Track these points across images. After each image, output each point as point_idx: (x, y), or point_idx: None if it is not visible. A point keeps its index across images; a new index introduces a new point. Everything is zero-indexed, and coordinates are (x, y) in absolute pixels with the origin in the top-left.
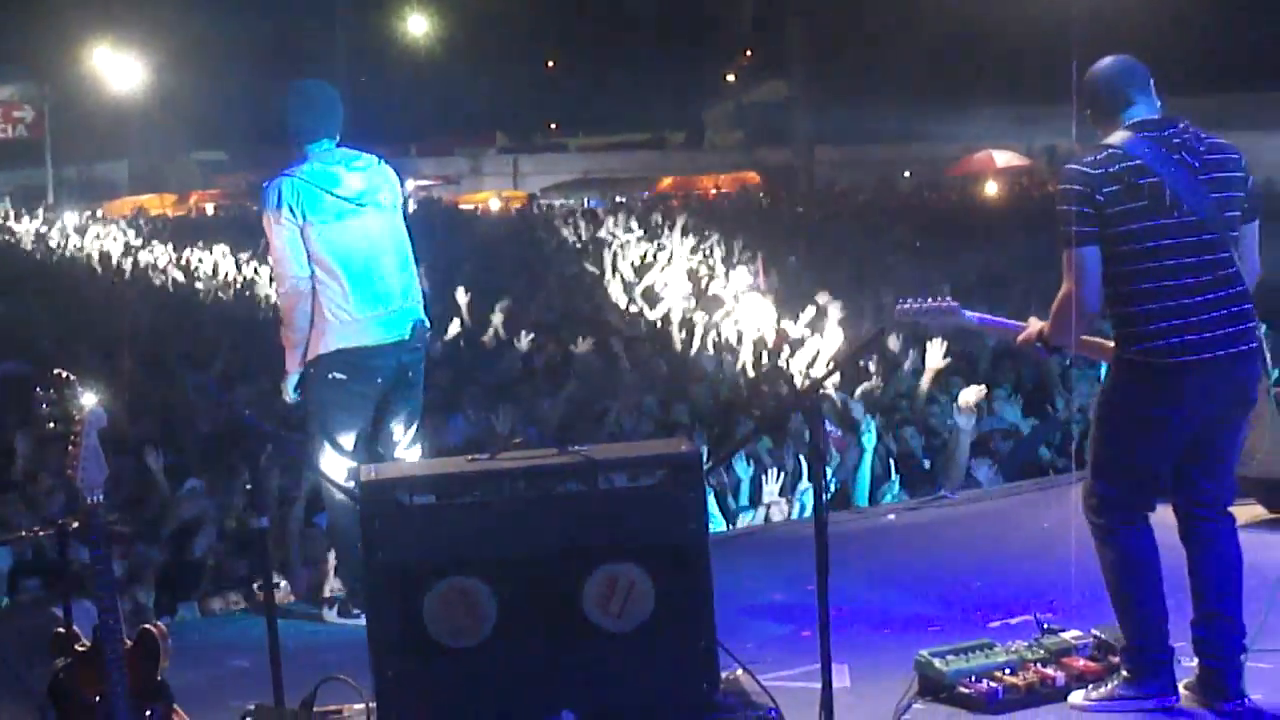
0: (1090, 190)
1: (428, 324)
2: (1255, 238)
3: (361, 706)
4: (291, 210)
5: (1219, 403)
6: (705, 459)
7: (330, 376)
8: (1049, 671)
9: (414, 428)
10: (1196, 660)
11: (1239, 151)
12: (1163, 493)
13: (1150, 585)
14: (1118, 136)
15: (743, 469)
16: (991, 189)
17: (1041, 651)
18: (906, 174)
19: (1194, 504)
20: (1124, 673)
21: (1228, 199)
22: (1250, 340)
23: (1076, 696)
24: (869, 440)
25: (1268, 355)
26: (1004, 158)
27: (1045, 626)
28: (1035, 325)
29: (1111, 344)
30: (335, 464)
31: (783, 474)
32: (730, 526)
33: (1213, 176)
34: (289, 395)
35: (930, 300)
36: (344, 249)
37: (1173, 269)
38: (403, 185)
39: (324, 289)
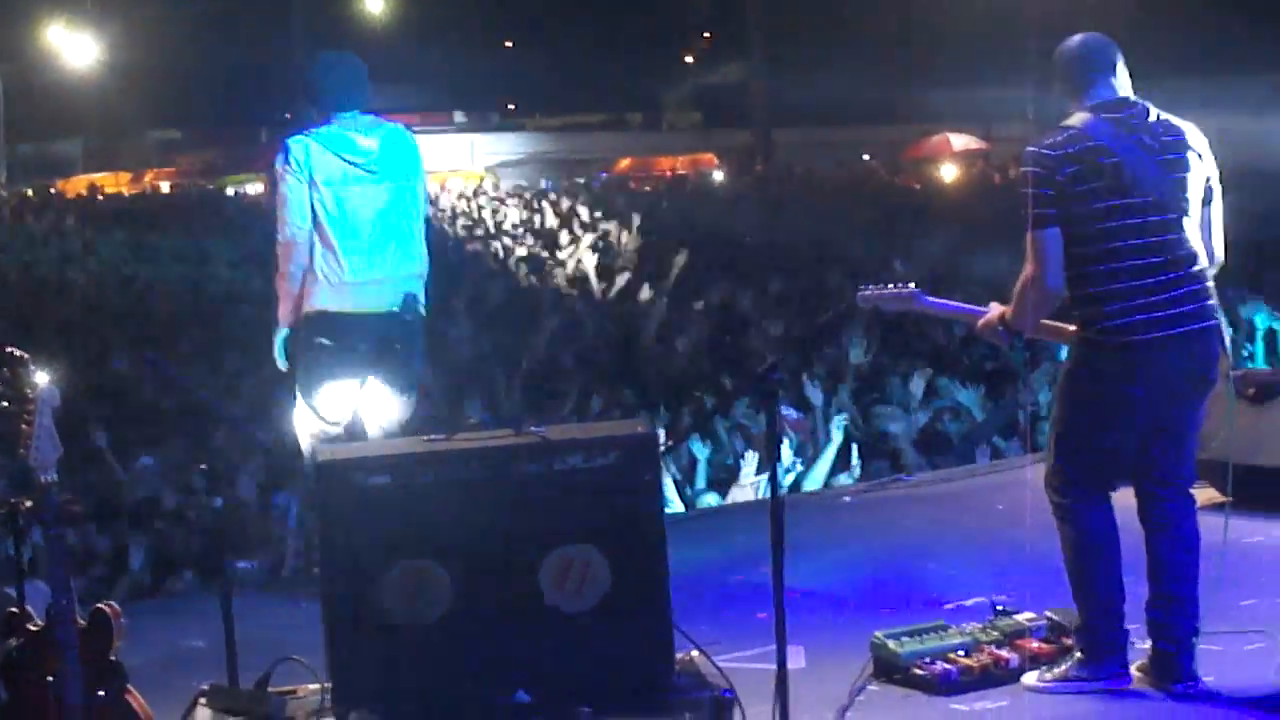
0: (1050, 172)
1: (422, 299)
2: (1217, 223)
3: (316, 687)
4: (299, 165)
5: (1178, 381)
6: (663, 440)
7: (315, 341)
8: (1003, 653)
9: (401, 405)
10: (1150, 642)
11: (1201, 134)
12: (1124, 472)
13: (1109, 566)
14: (1078, 118)
15: (699, 450)
16: (949, 172)
17: (995, 633)
18: (866, 156)
19: (1154, 484)
20: (1078, 654)
21: (1185, 179)
22: (1208, 318)
23: (1030, 677)
24: (838, 428)
25: (1226, 335)
26: (961, 141)
27: (999, 608)
28: (996, 310)
29: (1071, 327)
30: (312, 429)
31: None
32: (687, 508)
33: (1171, 158)
34: (279, 358)
35: (890, 286)
36: (345, 213)
37: (1132, 249)
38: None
39: (319, 248)
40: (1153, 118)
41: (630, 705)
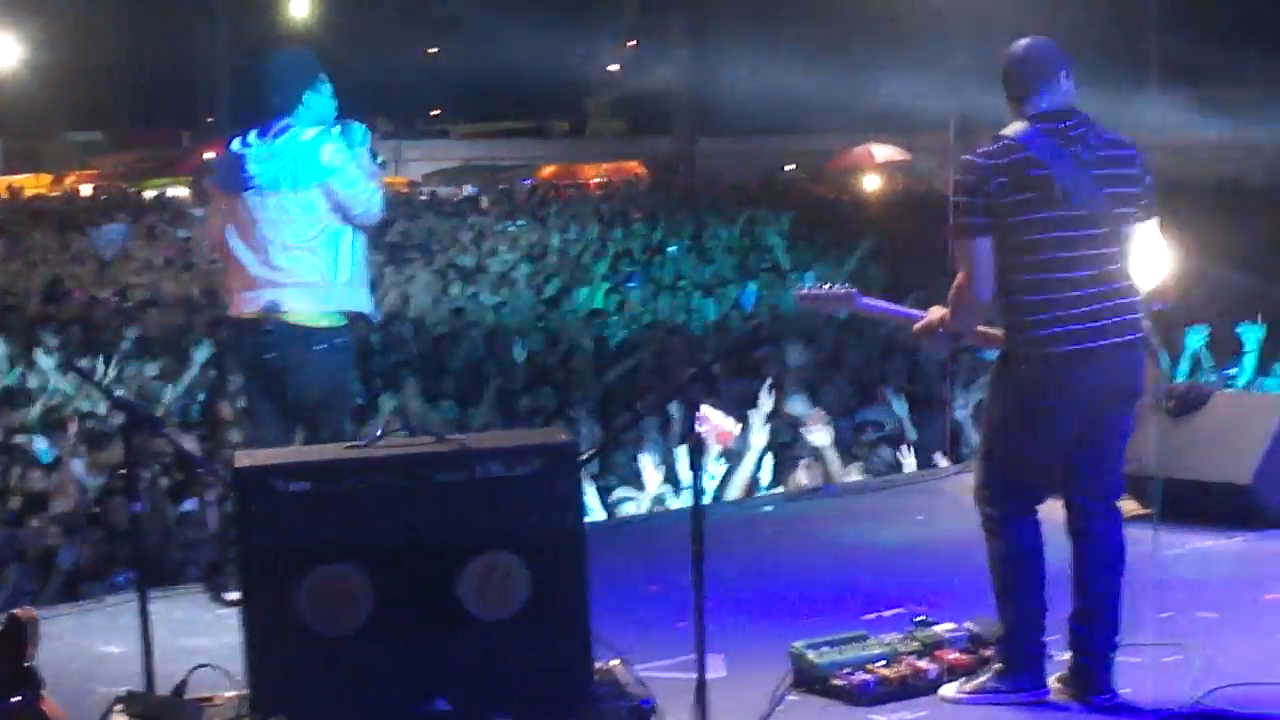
0: (981, 181)
1: (284, 306)
2: (1156, 240)
3: (234, 694)
4: (214, 181)
5: (1104, 394)
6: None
7: (235, 343)
8: (922, 664)
9: (312, 419)
10: (1070, 654)
11: (1137, 149)
12: (1051, 484)
13: (1033, 579)
14: (1015, 127)
15: (622, 459)
16: (871, 182)
17: (915, 644)
18: (790, 166)
19: (1080, 496)
20: (996, 665)
21: (1120, 194)
22: (1134, 331)
23: (949, 689)
24: (755, 436)
25: (1157, 349)
26: (884, 152)
27: (919, 619)
28: (936, 313)
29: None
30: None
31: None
32: (609, 516)
33: (1106, 172)
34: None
35: (829, 286)
36: (240, 225)
37: (1060, 262)
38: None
39: (230, 259)
40: (1094, 131)
41: (549, 714)
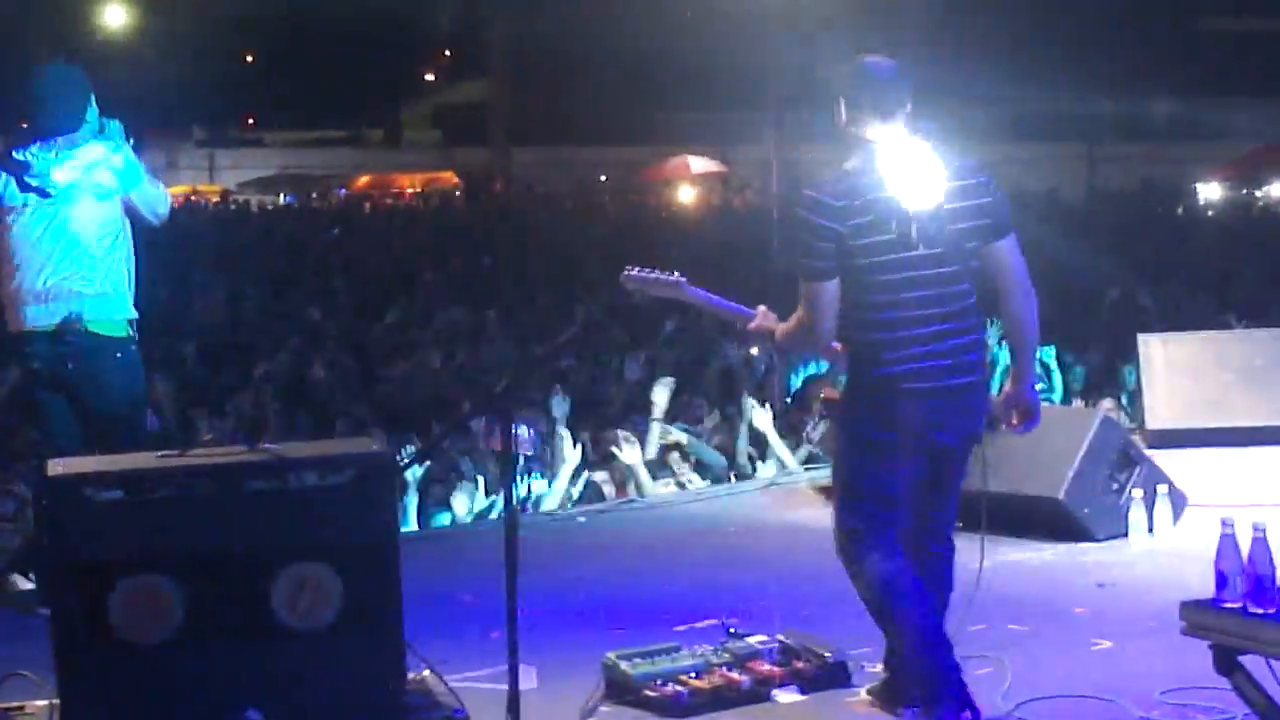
0: (833, 223)
1: (85, 316)
2: (1013, 255)
3: (45, 703)
4: None
5: (947, 431)
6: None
7: (19, 356)
8: (734, 675)
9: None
10: (885, 670)
11: (985, 173)
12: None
13: (914, 601)
14: (861, 161)
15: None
16: (687, 194)
17: (727, 655)
18: (603, 177)
19: (919, 533)
20: (914, 709)
21: (970, 229)
22: (978, 372)
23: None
24: (573, 446)
25: (1057, 378)
26: (700, 164)
27: (731, 630)
28: (768, 321)
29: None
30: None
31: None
32: (421, 527)
33: (956, 205)
34: None
35: (657, 272)
36: (22, 237)
37: (911, 301)
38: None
39: (5, 274)
40: (941, 161)
41: None
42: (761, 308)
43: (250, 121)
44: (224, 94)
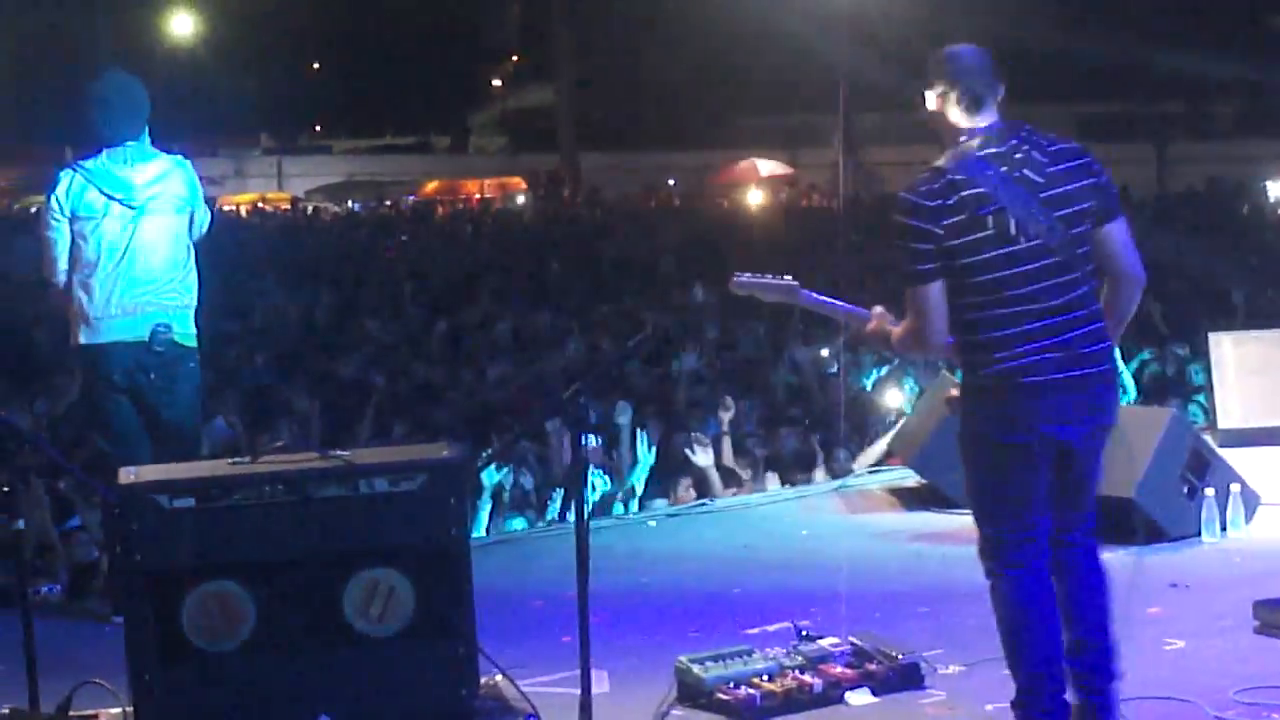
0: (929, 224)
1: (174, 328)
2: (1122, 238)
3: (118, 711)
4: (60, 204)
5: (1076, 424)
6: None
7: (84, 371)
8: (806, 678)
9: (178, 436)
10: (1073, 694)
11: (1087, 154)
12: (1041, 521)
13: (1037, 634)
14: (954, 157)
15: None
16: (755, 197)
17: (799, 658)
18: (671, 181)
19: (1058, 531)
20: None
21: (1075, 213)
22: (1105, 361)
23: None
24: (645, 454)
25: (1126, 378)
26: (768, 166)
27: (803, 633)
28: (885, 325)
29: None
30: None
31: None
32: (491, 532)
33: (1057, 192)
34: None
35: (769, 276)
36: (103, 247)
37: (1020, 296)
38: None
39: (78, 284)
40: (1038, 146)
41: None
42: (878, 309)
43: (318, 129)
44: (292, 102)
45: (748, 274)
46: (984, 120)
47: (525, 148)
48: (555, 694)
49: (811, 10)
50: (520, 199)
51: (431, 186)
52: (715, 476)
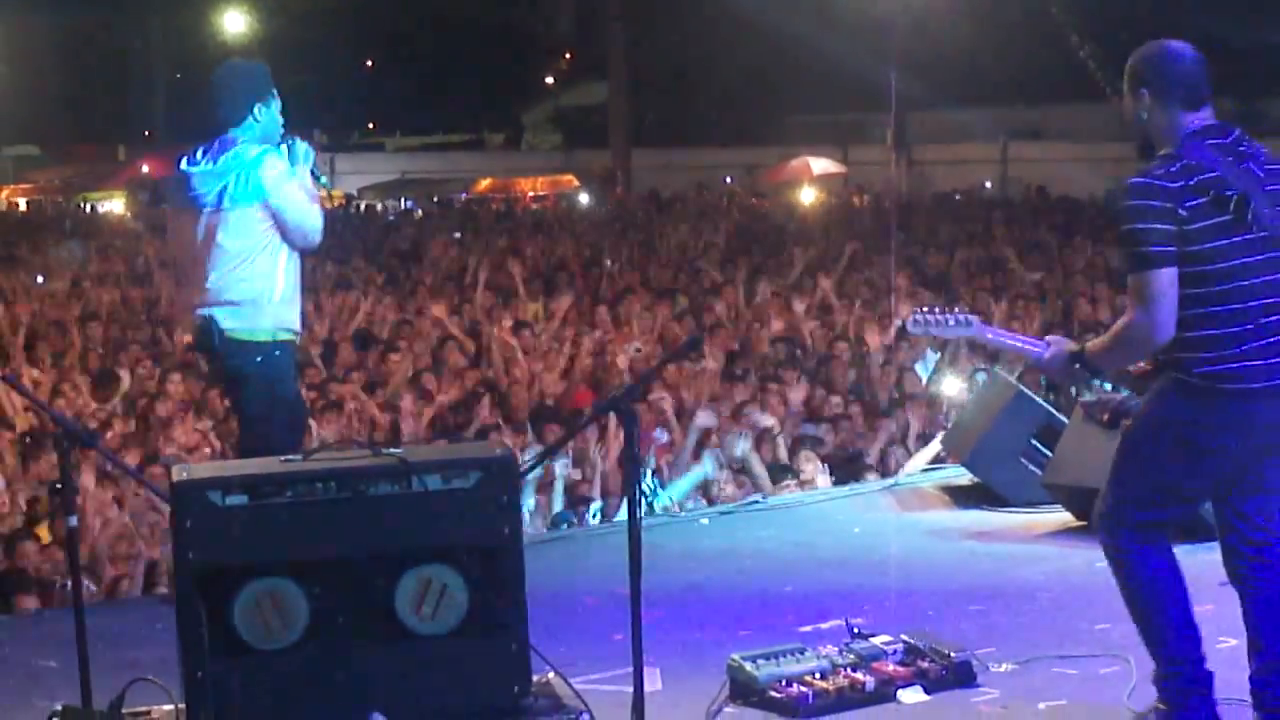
0: (1172, 205)
1: (227, 327)
2: None
3: (171, 708)
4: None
5: (1273, 434)
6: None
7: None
8: (859, 676)
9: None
10: (1255, 714)
11: None
12: (1185, 525)
13: (1174, 607)
14: (1181, 144)
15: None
16: (808, 195)
17: (852, 656)
18: (727, 179)
19: (1239, 541)
20: (1158, 704)
21: None
22: None
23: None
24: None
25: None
26: (820, 164)
27: (856, 631)
28: (1066, 346)
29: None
30: None
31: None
32: (546, 529)
33: (1274, 188)
34: None
35: (946, 313)
36: (197, 240)
37: (1244, 290)
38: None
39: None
40: (1253, 145)
41: None
42: (1052, 337)
43: (371, 126)
44: (345, 99)
45: (923, 311)
46: (1204, 116)
47: (578, 145)
48: (607, 692)
49: (862, 7)
50: (584, 198)
51: (484, 184)
52: (762, 470)
